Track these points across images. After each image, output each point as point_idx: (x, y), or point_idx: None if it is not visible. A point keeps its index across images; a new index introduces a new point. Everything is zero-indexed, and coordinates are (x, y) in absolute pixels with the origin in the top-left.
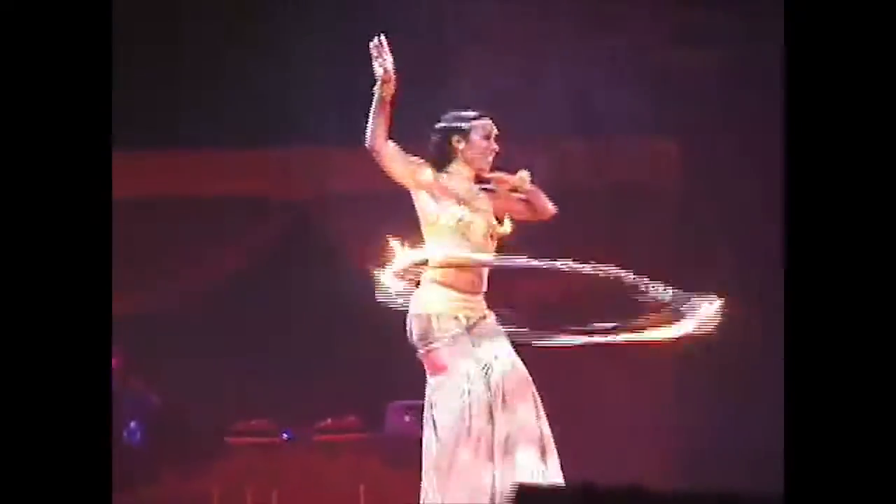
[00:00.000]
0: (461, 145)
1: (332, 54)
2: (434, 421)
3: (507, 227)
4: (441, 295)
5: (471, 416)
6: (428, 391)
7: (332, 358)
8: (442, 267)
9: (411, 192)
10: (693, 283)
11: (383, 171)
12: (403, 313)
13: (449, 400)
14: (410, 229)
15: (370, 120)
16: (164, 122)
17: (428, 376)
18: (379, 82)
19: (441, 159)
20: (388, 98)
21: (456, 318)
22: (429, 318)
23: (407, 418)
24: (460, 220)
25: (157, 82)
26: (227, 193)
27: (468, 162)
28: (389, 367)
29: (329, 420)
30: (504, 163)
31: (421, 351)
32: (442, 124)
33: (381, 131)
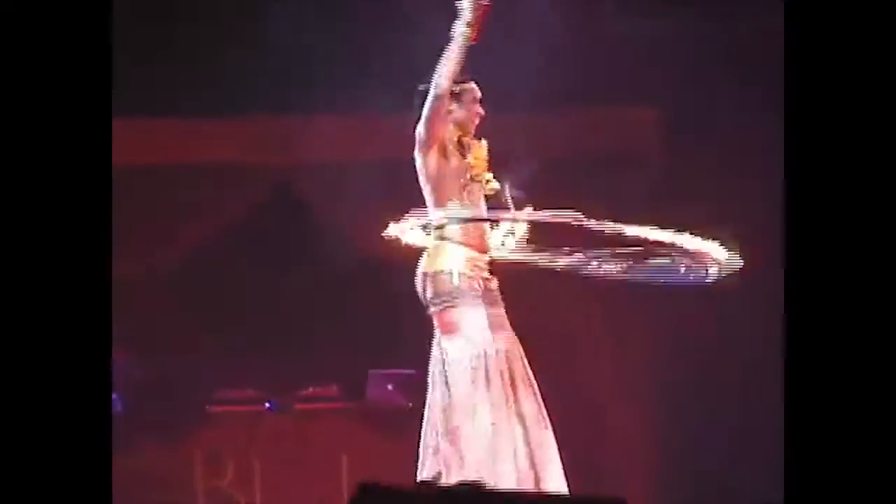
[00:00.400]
0: (452, 107)
1: (315, 19)
2: (447, 379)
3: (496, 185)
4: (460, 253)
5: (487, 377)
6: (437, 351)
7: (314, 326)
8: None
9: (426, 150)
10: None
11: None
12: (386, 282)
13: (464, 358)
14: (391, 196)
15: (449, 62)
16: (145, 90)
17: (440, 335)
18: (466, 26)
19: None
20: (469, 43)
21: (471, 277)
22: (451, 275)
23: (389, 387)
24: (472, 178)
25: (141, 52)
26: (206, 161)
27: (456, 125)
28: (372, 335)
29: (311, 389)
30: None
31: (434, 309)
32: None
33: (454, 76)
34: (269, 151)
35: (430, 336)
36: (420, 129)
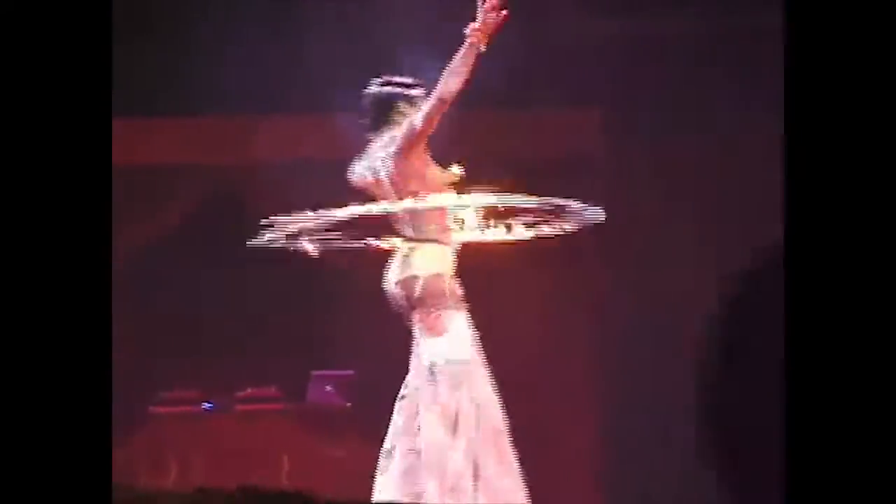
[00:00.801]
0: (407, 110)
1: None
2: (436, 381)
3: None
4: (446, 254)
5: (475, 380)
6: (425, 354)
7: (254, 327)
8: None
9: (414, 148)
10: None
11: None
12: (328, 282)
13: (457, 361)
14: (335, 197)
15: (464, 69)
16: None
17: (429, 338)
18: (481, 34)
19: (380, 122)
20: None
21: (454, 277)
22: (443, 277)
23: (329, 388)
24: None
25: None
26: (148, 161)
27: None
28: (313, 336)
29: (250, 390)
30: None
31: (422, 312)
32: (388, 88)
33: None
34: (217, 151)
35: (370, 337)
36: (418, 125)
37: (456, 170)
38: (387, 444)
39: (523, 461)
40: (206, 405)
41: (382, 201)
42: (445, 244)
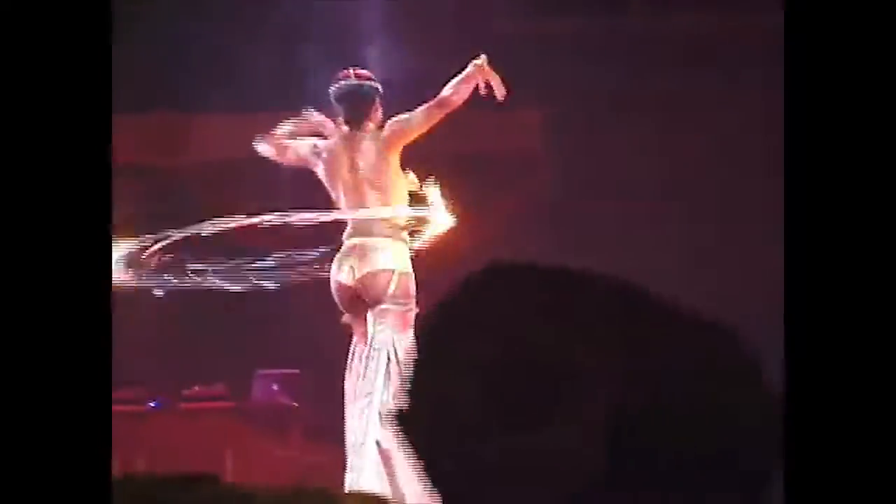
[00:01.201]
0: (381, 106)
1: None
2: (402, 374)
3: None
4: (408, 253)
5: None
6: (387, 349)
7: (199, 325)
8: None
9: (398, 148)
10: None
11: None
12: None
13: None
14: (278, 197)
15: (468, 84)
16: None
17: (395, 334)
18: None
19: (359, 117)
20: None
21: None
22: (411, 275)
23: (274, 387)
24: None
25: None
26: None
27: (378, 125)
28: (257, 334)
29: (196, 388)
30: None
31: (393, 307)
32: (368, 83)
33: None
34: (159, 150)
35: (317, 336)
36: (414, 125)
37: (428, 184)
38: (357, 439)
39: None
40: (152, 403)
41: (343, 193)
42: (405, 243)
